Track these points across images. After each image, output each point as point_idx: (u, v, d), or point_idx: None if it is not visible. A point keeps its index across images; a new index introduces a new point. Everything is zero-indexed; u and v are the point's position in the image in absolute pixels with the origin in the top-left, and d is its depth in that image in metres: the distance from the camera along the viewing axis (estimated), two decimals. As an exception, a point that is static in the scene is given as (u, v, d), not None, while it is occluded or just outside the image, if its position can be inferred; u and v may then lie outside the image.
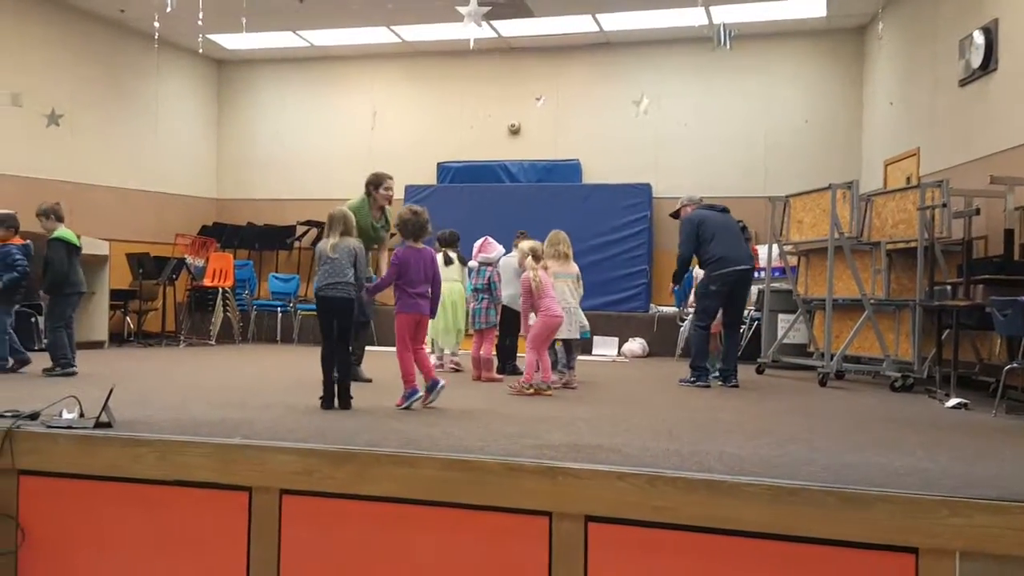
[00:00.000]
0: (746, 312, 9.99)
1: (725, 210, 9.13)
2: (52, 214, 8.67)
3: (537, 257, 8.00)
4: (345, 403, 6.34)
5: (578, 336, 8.52)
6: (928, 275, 8.68)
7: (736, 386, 8.62)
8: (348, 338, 6.65)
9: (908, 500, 3.77)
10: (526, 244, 8.20)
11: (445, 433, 5.20)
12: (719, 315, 8.99)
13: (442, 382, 6.50)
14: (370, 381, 8.05)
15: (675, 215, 9.42)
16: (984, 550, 3.68)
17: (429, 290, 6.57)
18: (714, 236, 8.74)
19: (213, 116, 16.31)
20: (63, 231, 8.63)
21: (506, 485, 4.23)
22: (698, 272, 9.62)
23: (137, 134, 14.64)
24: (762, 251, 11.66)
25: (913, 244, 8.83)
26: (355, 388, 6.57)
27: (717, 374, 8.88)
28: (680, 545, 4.02)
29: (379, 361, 8.97)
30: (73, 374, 8.29)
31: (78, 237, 8.86)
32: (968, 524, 3.68)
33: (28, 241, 8.88)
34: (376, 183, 8.42)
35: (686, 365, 9.04)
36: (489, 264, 9.20)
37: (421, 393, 6.39)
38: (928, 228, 8.66)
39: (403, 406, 6.33)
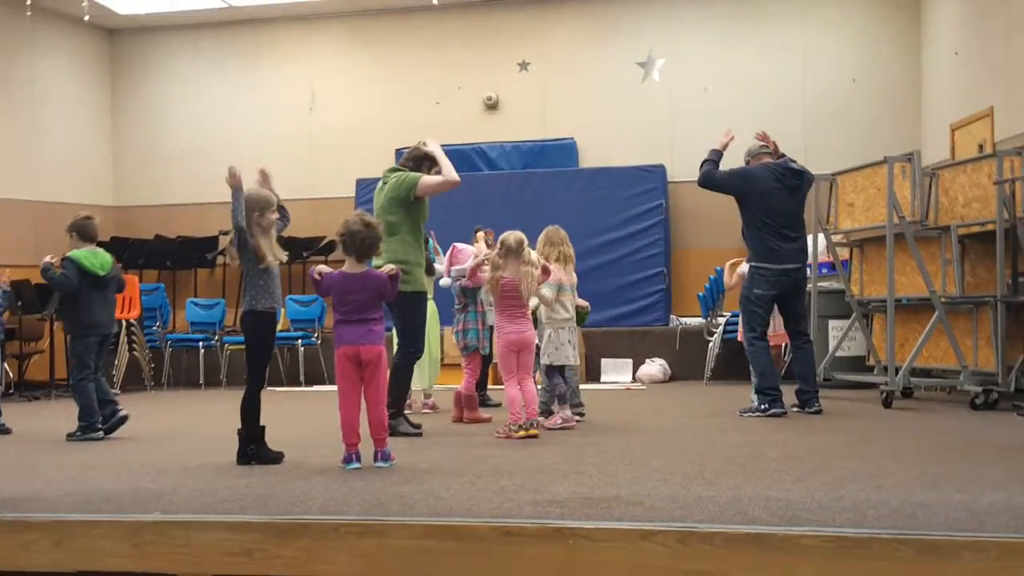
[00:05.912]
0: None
1: (798, 176, 8.87)
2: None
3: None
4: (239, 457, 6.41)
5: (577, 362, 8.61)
6: (1011, 264, 8.72)
7: (819, 411, 8.67)
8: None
9: (1001, 545, 3.80)
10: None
11: (422, 491, 5.20)
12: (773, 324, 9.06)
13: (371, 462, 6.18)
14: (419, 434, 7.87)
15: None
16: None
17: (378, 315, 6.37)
18: (764, 222, 8.67)
19: (106, 101, 16.24)
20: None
21: (502, 554, 4.24)
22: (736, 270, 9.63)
23: (6, 127, 14.53)
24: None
25: (991, 227, 8.88)
26: (303, 440, 6.50)
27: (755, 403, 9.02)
28: (721, 617, 4.04)
29: (320, 405, 8.93)
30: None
31: None
32: (1077, 573, 3.72)
33: None
34: (431, 160, 8.93)
35: (718, 390, 9.05)
36: (463, 276, 9.23)
37: (359, 465, 6.15)
38: (1008, 206, 8.69)
39: (344, 465, 6.15)
